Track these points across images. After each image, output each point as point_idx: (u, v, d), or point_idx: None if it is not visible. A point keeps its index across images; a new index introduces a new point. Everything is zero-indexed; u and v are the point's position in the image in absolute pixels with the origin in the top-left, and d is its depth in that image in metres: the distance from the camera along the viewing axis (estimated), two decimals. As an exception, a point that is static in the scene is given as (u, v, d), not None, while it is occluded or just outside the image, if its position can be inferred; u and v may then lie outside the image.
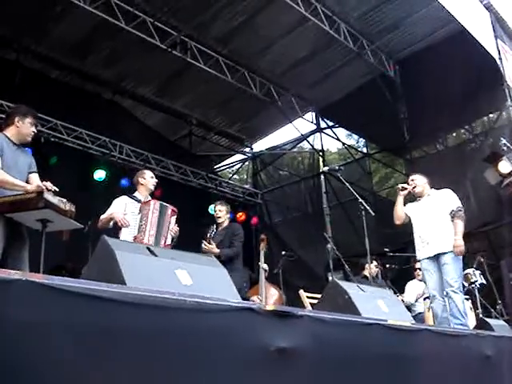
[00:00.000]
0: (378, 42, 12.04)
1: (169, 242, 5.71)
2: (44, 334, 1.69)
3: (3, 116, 9.58)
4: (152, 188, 6.07)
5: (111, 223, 5.67)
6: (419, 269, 7.97)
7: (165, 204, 5.77)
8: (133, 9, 10.05)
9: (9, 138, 4.57)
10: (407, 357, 3.37)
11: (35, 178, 4.72)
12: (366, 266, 8.10)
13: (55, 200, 4.19)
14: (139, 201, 5.79)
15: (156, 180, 6.15)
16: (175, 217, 5.86)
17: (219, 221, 6.83)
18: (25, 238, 4.49)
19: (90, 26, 10.36)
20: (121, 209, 5.64)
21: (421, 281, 8.06)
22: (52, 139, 10.67)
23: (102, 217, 5.75)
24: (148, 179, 6.03)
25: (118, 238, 5.59)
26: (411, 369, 3.40)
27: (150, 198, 5.96)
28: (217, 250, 6.41)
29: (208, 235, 6.72)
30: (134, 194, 5.94)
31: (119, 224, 5.51)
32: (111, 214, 5.62)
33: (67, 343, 1.73)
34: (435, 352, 3.64)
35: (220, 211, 6.86)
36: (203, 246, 6.50)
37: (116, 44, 11.01)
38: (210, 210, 13.05)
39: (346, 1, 10.85)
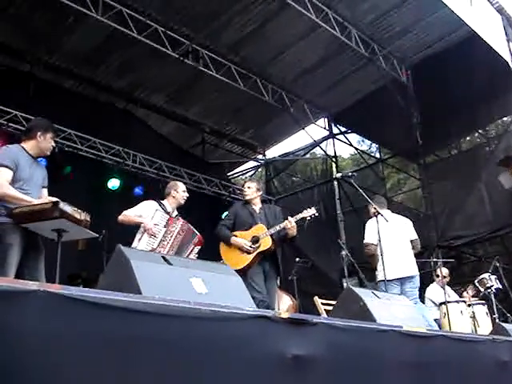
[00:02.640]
0: (390, 48, 12.02)
1: None
2: (62, 343, 1.71)
3: (17, 126, 9.85)
4: (182, 202, 6.05)
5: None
6: (444, 276, 8.03)
7: (195, 231, 5.79)
8: (145, 18, 10.11)
9: (26, 151, 4.60)
10: (423, 363, 3.36)
11: (45, 193, 4.76)
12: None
13: (70, 209, 4.21)
14: (168, 212, 5.81)
15: (187, 194, 6.11)
16: (199, 247, 5.87)
17: (247, 198, 6.29)
18: (41, 248, 4.51)
19: (102, 36, 10.45)
20: (150, 213, 5.64)
21: (441, 287, 7.99)
22: (66, 149, 10.73)
23: (129, 214, 5.75)
24: (180, 193, 6.02)
25: (131, 241, 5.64)
26: (427, 375, 3.39)
27: (176, 212, 5.96)
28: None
29: (243, 212, 6.18)
30: (163, 203, 5.94)
31: (148, 233, 5.52)
32: (143, 221, 5.59)
33: (86, 353, 1.75)
34: (451, 358, 3.62)
35: (249, 188, 6.28)
36: (288, 221, 5.92)
37: (128, 53, 11.07)
38: (223, 216, 13.08)
39: (356, 6, 10.84)
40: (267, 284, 5.85)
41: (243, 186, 6.60)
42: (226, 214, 6.57)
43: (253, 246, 5.81)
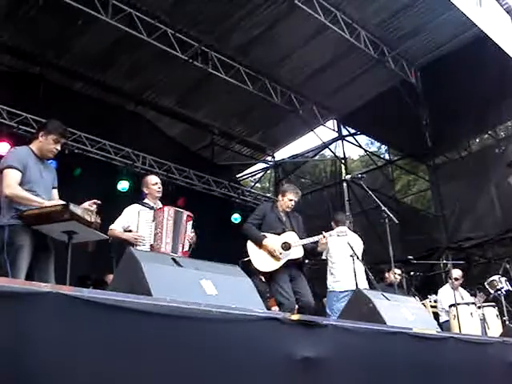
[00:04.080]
0: (399, 49, 12.01)
1: (186, 248, 5.51)
2: (73, 344, 1.72)
3: (27, 129, 9.90)
4: (158, 195, 5.81)
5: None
6: (457, 278, 8.03)
7: (180, 210, 5.60)
8: (154, 21, 10.14)
9: (34, 152, 4.59)
10: (433, 365, 3.35)
11: (55, 194, 4.75)
12: (389, 273, 8.08)
13: (81, 211, 4.22)
14: (152, 208, 5.64)
15: (160, 185, 5.86)
16: (191, 222, 5.64)
17: (288, 210, 6.28)
18: (50, 250, 4.50)
19: (111, 38, 10.47)
20: (134, 218, 5.49)
21: (452, 288, 7.97)
22: (76, 151, 10.78)
23: (115, 228, 5.55)
24: (151, 187, 5.79)
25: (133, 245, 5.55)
26: (437, 377, 3.38)
27: (160, 204, 5.76)
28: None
29: (272, 216, 6.15)
30: (145, 201, 5.77)
31: (135, 243, 5.31)
32: (126, 237, 5.41)
33: (97, 354, 1.76)
34: (461, 360, 3.61)
35: (294, 202, 6.29)
36: (324, 236, 5.97)
37: (138, 56, 11.09)
38: (232, 218, 13.10)
39: (365, 8, 10.83)
40: (299, 283, 5.83)
41: (285, 195, 6.34)
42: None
43: (283, 252, 5.78)
